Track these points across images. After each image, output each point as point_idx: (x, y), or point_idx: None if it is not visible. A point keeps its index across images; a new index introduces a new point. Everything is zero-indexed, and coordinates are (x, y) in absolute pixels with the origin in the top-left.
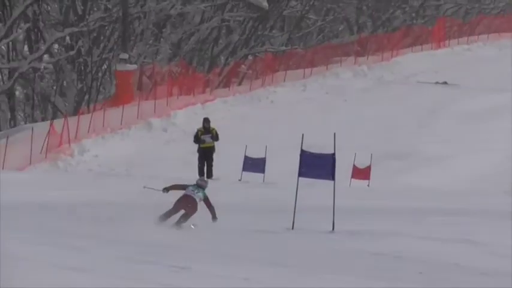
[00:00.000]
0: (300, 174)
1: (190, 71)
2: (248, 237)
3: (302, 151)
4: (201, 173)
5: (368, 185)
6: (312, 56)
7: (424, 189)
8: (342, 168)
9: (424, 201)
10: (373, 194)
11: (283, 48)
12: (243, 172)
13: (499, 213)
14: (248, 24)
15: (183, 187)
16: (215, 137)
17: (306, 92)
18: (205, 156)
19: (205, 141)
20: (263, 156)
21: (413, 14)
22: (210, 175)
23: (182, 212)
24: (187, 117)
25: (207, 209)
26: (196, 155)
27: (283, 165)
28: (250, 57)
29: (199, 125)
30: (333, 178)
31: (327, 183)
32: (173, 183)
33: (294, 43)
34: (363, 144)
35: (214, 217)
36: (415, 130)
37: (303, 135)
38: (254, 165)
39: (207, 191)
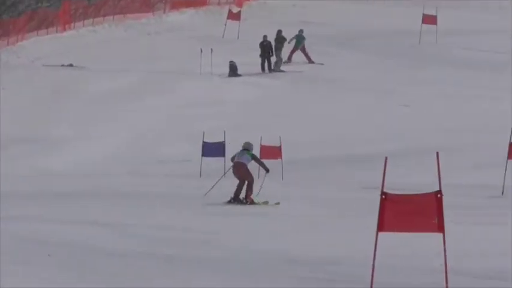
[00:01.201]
0: None
1: None
2: None
3: None
4: None
5: None
6: None
7: (53, 172)
8: None
9: (53, 185)
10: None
11: None
12: None
13: (125, 193)
14: None
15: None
16: None
17: None
18: None
19: None
20: None
21: None
22: None
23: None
24: None
25: None
26: None
27: None
28: None
29: None
30: None
31: None
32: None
33: None
34: None
35: (266, 170)
36: (43, 113)
37: None
38: None
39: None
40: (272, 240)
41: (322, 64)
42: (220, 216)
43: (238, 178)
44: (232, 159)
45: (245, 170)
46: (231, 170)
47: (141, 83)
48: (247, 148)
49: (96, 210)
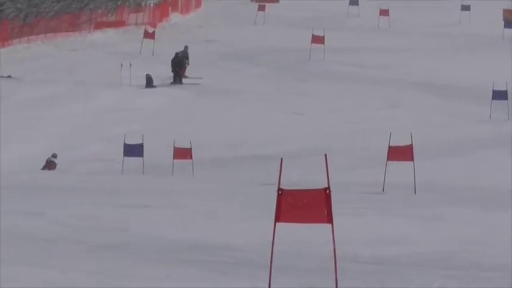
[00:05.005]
0: None
1: None
2: None
3: None
4: None
5: None
6: None
7: None
8: None
9: None
10: None
11: None
12: None
13: (56, 188)
14: None
15: None
16: None
17: None
18: None
19: None
20: None
21: None
22: None
23: None
24: None
25: None
26: None
27: None
28: None
29: None
30: None
31: None
32: None
33: None
34: None
35: None
36: None
37: None
38: None
39: None
40: (179, 228)
41: (201, 78)
42: (137, 208)
43: None
44: None
45: None
46: None
47: (68, 92)
48: None
49: (28, 203)
